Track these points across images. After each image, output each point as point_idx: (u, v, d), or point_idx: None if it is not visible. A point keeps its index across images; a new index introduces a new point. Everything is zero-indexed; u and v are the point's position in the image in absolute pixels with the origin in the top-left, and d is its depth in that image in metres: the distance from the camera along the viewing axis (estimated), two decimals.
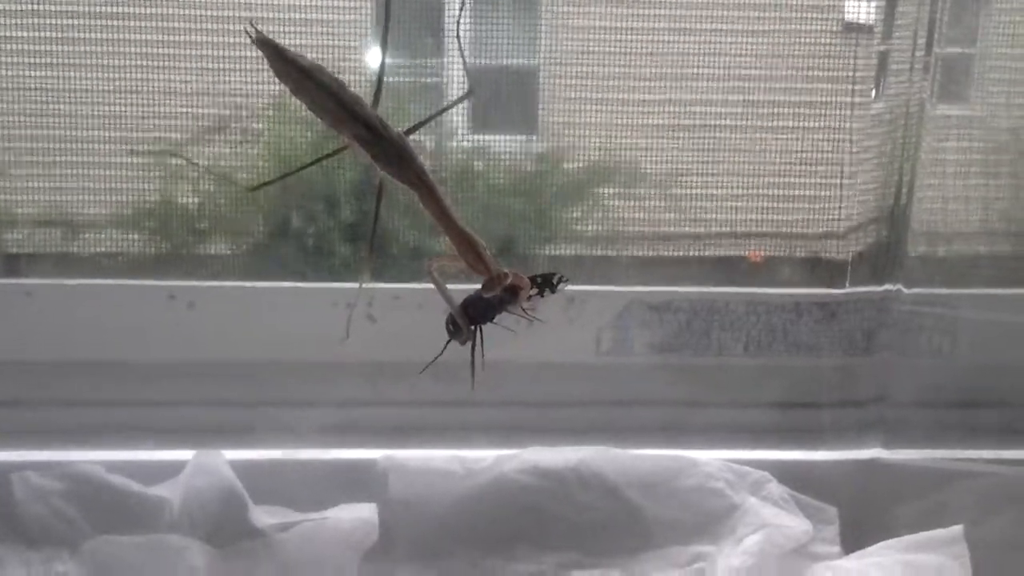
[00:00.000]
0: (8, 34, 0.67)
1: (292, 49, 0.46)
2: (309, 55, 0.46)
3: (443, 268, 0.47)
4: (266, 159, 0.65)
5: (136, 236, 0.72)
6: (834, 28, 0.73)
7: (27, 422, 0.69)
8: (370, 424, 0.73)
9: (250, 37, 0.46)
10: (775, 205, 0.77)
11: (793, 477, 0.69)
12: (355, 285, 0.65)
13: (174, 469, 0.64)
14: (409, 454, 0.64)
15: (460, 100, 0.50)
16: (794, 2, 0.72)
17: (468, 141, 0.70)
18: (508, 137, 0.73)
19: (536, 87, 0.71)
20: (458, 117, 0.69)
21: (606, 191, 0.76)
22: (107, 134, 0.69)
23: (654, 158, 0.75)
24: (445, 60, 0.65)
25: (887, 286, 0.74)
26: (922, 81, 0.71)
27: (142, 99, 0.68)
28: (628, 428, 0.74)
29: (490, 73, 0.68)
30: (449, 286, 0.47)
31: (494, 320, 0.47)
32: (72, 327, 0.70)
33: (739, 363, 0.77)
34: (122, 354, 0.71)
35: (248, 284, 0.73)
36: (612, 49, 0.72)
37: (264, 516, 0.62)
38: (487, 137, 0.72)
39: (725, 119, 0.76)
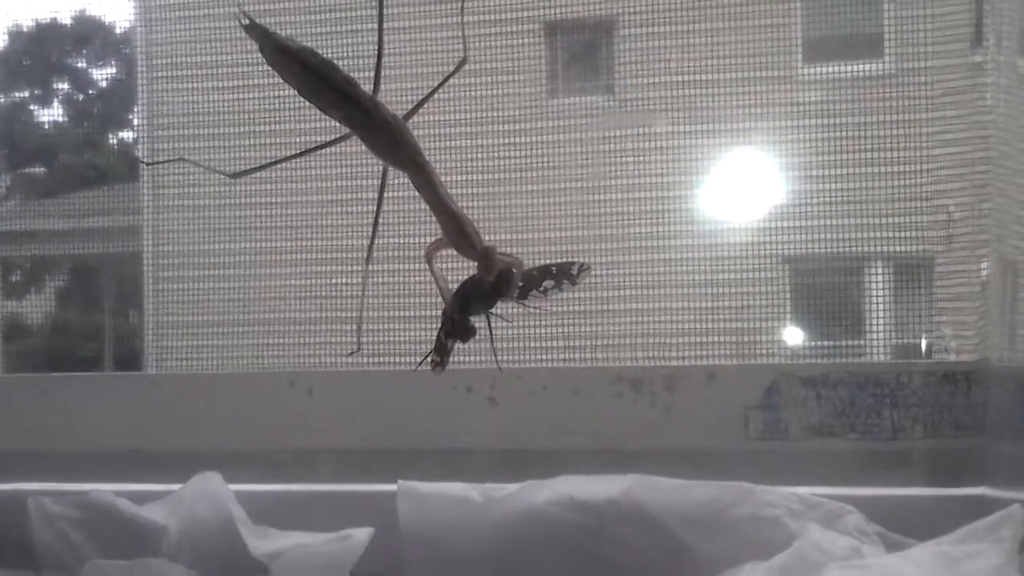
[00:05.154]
0: None
1: (283, 34, 0.45)
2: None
3: (436, 248, 0.45)
4: None
5: None
6: None
7: None
8: None
9: (240, 24, 0.45)
10: None
11: None
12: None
13: None
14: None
15: (454, 72, 0.47)
16: None
17: None
18: None
19: None
20: None
21: None
22: None
23: None
24: None
25: None
26: None
27: None
28: None
29: None
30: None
31: (492, 310, 0.44)
32: None
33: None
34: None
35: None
36: None
37: (261, 543, 0.56)
38: None
39: None
